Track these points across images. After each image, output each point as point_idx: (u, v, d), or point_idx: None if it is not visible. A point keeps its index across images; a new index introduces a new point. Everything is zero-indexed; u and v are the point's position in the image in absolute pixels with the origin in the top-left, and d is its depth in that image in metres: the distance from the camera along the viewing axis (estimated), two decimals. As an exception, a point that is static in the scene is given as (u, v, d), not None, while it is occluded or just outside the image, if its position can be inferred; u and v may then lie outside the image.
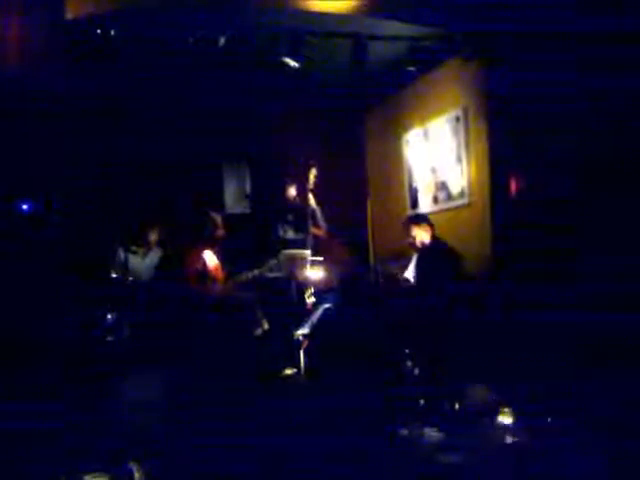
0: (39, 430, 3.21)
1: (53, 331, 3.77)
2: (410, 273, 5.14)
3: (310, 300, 5.26)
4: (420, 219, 5.16)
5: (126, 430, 3.41)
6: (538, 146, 4.73)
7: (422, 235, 5.00)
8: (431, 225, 5.05)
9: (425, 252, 5.00)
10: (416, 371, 4.29)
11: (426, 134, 5.94)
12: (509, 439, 3.29)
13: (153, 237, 5.51)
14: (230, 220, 5.91)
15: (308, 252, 5.42)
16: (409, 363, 4.37)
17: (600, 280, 4.24)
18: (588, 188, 4.48)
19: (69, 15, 4.03)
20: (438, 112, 5.72)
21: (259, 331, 4.97)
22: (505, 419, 3.31)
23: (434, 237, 5.04)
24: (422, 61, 5.31)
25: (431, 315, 4.44)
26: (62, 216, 4.01)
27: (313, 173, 5.82)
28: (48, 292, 3.81)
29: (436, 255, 4.90)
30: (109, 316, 4.71)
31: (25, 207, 3.98)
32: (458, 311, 4.37)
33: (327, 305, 5.07)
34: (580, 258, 4.43)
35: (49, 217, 3.94)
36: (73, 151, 4.41)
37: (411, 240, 5.05)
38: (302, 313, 5.10)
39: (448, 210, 5.56)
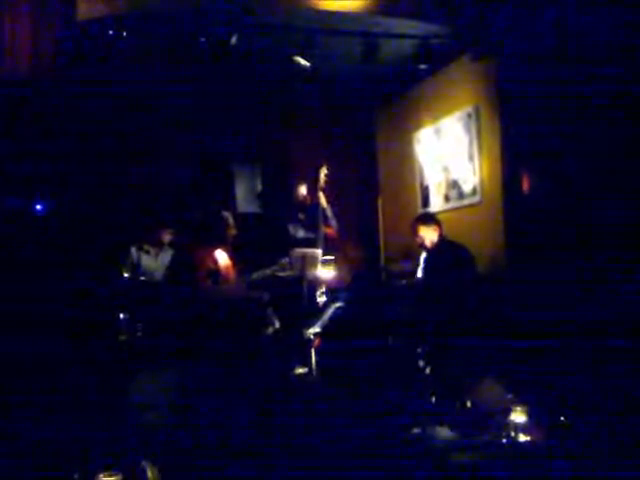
0: (53, 428, 3.24)
1: (66, 329, 3.80)
2: (420, 272, 5.12)
3: (321, 299, 5.26)
4: (427, 219, 5.13)
5: (139, 428, 3.42)
6: (551, 143, 4.70)
7: (430, 235, 4.98)
8: (439, 224, 5.03)
9: (434, 252, 4.98)
10: (428, 369, 4.28)
11: (437, 132, 5.91)
12: (522, 438, 3.28)
13: (166, 237, 5.53)
14: (241, 219, 5.93)
15: (319, 251, 5.42)
16: (421, 361, 4.36)
17: (613, 277, 4.21)
18: (602, 185, 4.44)
19: (81, 17, 4.06)
20: (449, 110, 5.70)
21: (270, 330, 4.98)
22: (518, 417, 3.29)
23: (442, 236, 5.01)
24: (433, 59, 5.28)
25: (439, 314, 4.43)
26: (74, 216, 4.04)
27: (324, 172, 5.83)
28: (59, 291, 3.84)
29: (445, 255, 4.88)
30: (121, 315, 4.74)
31: (39, 207, 4.01)
32: (470, 309, 4.36)
33: (338, 304, 5.07)
34: (593, 256, 4.40)
35: (60, 217, 3.97)
36: (84, 151, 4.45)
37: (419, 240, 5.03)
38: (313, 312, 5.10)
39: (460, 209, 5.54)
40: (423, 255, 5.14)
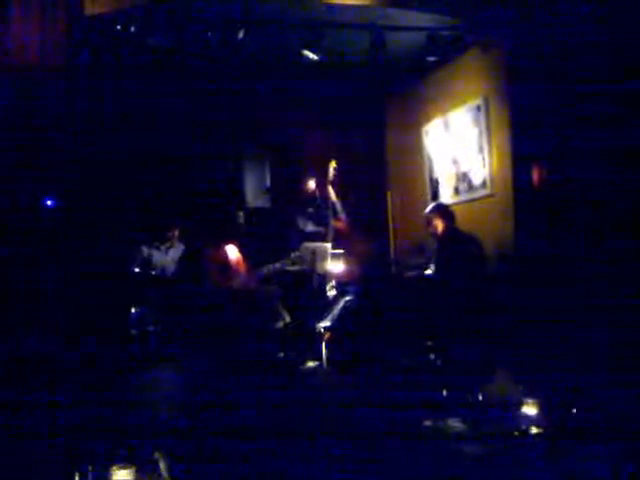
0: (65, 422, 3.26)
1: (78, 323, 3.82)
2: (428, 269, 5.09)
3: (331, 292, 5.27)
4: (442, 209, 5.13)
5: (151, 422, 3.44)
6: (561, 135, 4.67)
7: (443, 226, 4.98)
8: (452, 216, 5.03)
9: (446, 243, 4.97)
10: (438, 362, 4.28)
11: (446, 124, 5.89)
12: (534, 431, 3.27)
13: (176, 232, 5.55)
14: (251, 214, 5.93)
15: (329, 245, 5.43)
16: (432, 354, 4.35)
17: (626, 273, 4.18)
18: (612, 177, 4.41)
19: (89, 12, 4.07)
20: (458, 102, 5.67)
21: (281, 324, 4.99)
22: (530, 410, 3.28)
23: (455, 228, 5.01)
24: (442, 51, 5.25)
25: (452, 305, 4.42)
26: (84, 211, 4.06)
27: (333, 166, 5.83)
28: (72, 287, 3.86)
29: (457, 246, 4.87)
30: (133, 310, 4.77)
31: (49, 202, 4.02)
32: (480, 301, 4.34)
33: (348, 297, 5.07)
34: (604, 248, 4.37)
35: (70, 212, 3.99)
36: (94, 148, 4.45)
37: (432, 230, 5.03)
38: (323, 305, 5.10)
39: (470, 201, 5.51)
40: (434, 251, 5.12)
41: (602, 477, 2.78)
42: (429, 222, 5.05)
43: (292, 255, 5.22)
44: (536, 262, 4.63)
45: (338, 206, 5.89)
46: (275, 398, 3.79)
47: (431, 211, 5.15)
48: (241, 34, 4.62)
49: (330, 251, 5.38)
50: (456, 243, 4.89)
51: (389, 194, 6.93)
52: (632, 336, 3.94)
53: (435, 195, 6.11)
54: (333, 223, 5.76)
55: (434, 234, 5.04)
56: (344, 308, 5.03)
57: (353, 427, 3.36)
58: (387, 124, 7.00)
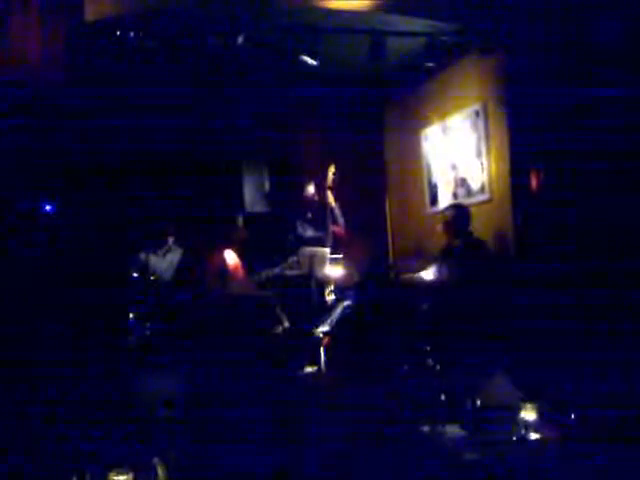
0: (63, 426, 3.26)
1: (76, 329, 3.82)
2: (430, 273, 5.08)
3: (330, 298, 5.27)
4: (460, 209, 5.12)
5: (149, 427, 3.44)
6: (559, 140, 4.68)
7: (458, 225, 4.97)
8: (469, 217, 5.02)
9: (457, 243, 4.96)
10: (437, 367, 4.27)
11: (445, 130, 5.90)
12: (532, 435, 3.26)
13: (172, 237, 5.54)
14: (250, 219, 5.93)
15: (327, 250, 5.43)
16: (430, 360, 4.35)
17: (625, 278, 4.18)
18: (611, 181, 4.42)
19: (89, 17, 4.08)
20: (457, 107, 5.68)
21: (279, 329, 4.99)
22: (528, 414, 3.28)
23: (469, 230, 5.00)
24: (440, 56, 5.27)
25: (454, 311, 4.42)
26: (82, 216, 4.06)
27: (332, 171, 5.83)
28: (68, 292, 3.86)
29: (468, 247, 4.87)
30: (131, 315, 4.77)
31: (48, 208, 4.03)
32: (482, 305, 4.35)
33: (347, 302, 5.07)
34: (604, 256, 4.37)
35: (69, 217, 4.00)
36: (92, 152, 4.47)
37: (445, 228, 5.01)
38: (322, 311, 5.10)
39: (468, 206, 5.52)
40: (437, 256, 5.11)
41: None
42: (445, 220, 5.04)
43: (291, 260, 5.22)
44: (535, 266, 4.63)
45: (337, 211, 5.89)
46: (273, 403, 3.79)
47: (449, 209, 5.15)
48: (240, 40, 4.64)
49: (329, 256, 5.38)
50: (467, 245, 4.88)
51: (388, 199, 6.94)
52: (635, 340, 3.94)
53: (434, 200, 6.12)
54: (332, 228, 5.76)
55: (446, 233, 5.02)
56: (343, 313, 5.03)
57: (351, 431, 3.35)
58: (386, 129, 7.01)
